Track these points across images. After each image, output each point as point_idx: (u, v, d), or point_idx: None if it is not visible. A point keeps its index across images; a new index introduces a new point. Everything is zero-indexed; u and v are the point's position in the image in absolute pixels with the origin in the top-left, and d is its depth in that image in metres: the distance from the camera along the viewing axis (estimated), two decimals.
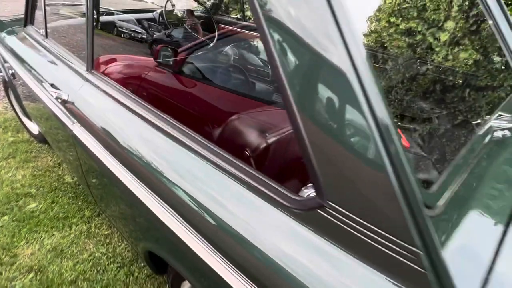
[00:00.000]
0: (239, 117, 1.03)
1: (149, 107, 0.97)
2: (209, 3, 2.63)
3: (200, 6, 2.62)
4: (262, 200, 0.68)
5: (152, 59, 2.22)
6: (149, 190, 0.89)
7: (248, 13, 2.69)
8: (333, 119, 0.55)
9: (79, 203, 1.91)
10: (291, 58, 0.58)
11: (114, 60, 2.12)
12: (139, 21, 3.05)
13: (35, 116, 1.97)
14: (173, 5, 2.25)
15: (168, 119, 0.91)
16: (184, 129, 0.87)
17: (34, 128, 2.37)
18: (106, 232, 1.73)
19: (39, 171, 2.15)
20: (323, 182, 0.58)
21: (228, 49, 2.38)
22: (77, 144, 1.21)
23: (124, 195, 1.04)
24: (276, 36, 0.58)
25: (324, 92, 0.55)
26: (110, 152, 1.05)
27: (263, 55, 2.37)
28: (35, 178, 2.08)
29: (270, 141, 0.86)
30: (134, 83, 1.83)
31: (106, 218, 1.79)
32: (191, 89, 2.02)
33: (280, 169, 0.92)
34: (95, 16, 1.26)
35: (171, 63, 2.08)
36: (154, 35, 3.11)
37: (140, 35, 3.08)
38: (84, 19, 1.16)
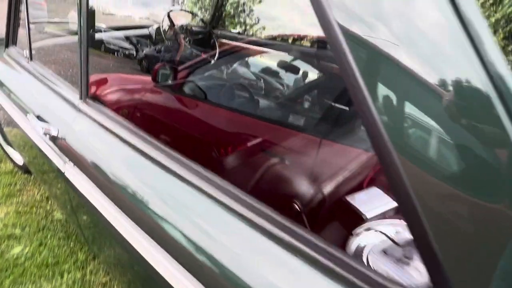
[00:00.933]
0: (280, 159, 0.85)
1: (153, 141, 0.79)
2: (208, 16, 2.48)
3: (198, 20, 2.46)
4: (331, 280, 0.49)
5: (148, 77, 2.05)
6: (155, 244, 0.70)
7: (252, 27, 2.55)
8: (465, 169, 0.37)
9: (71, 244, 1.68)
10: (391, 85, 0.40)
11: (107, 81, 1.93)
12: (127, 37, 2.97)
13: (18, 145, 1.75)
14: (170, 20, 2.08)
15: (176, 155, 0.73)
16: (196, 168, 0.69)
17: (18, 158, 2.14)
18: (103, 280, 1.50)
19: (25, 207, 1.91)
20: (444, 260, 0.39)
21: (231, 65, 2.21)
22: (70, 187, 1.01)
23: (123, 245, 0.84)
24: (363, 54, 0.40)
25: (454, 130, 0.37)
26: (110, 198, 0.86)
27: (271, 73, 2.21)
28: (20, 216, 1.84)
29: (326, 190, 0.68)
30: (134, 110, 1.64)
31: (101, 263, 1.56)
32: (195, 111, 1.83)
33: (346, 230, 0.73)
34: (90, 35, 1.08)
35: (170, 82, 1.90)
36: (144, 51, 3.03)
37: (128, 51, 3.01)
38: (75, 37, 0.97)
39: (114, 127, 0.88)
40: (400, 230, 0.53)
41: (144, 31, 2.51)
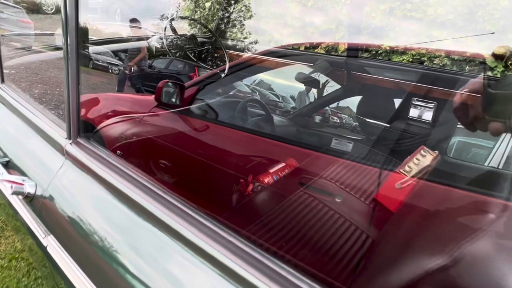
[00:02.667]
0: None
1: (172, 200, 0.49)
2: (213, 25, 2.19)
3: (204, 30, 2.17)
4: None
5: (146, 97, 1.75)
6: None
7: (263, 37, 2.27)
8: None
9: None
10: None
11: (102, 106, 1.62)
12: (115, 53, 2.76)
13: None
14: (173, 30, 1.79)
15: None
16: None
17: None
18: None
19: (2, 259, 1.56)
20: None
21: (246, 79, 1.92)
22: (54, 268, 0.68)
23: None
24: None
25: None
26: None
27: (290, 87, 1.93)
28: None
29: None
30: (142, 151, 1.33)
31: None
32: (212, 136, 1.53)
33: None
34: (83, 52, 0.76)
35: (178, 102, 1.59)
36: (137, 66, 2.85)
37: (118, 67, 2.81)
38: (60, 53, 0.67)
39: (117, 181, 0.57)
40: None
41: (142, 43, 2.20)
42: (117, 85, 2.72)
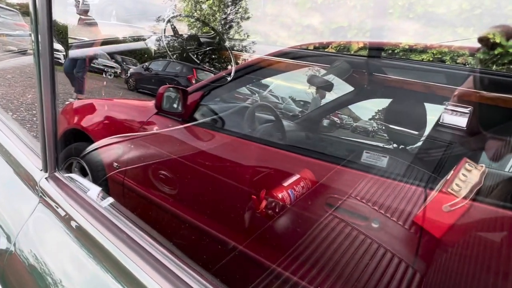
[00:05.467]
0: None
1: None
2: (217, 23, 2.02)
3: (206, 29, 2.00)
4: None
5: (147, 102, 1.59)
6: None
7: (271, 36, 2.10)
8: None
9: None
10: None
11: (95, 116, 1.46)
12: (111, 55, 2.70)
13: None
14: (174, 29, 1.62)
15: None
16: None
17: None
18: None
19: None
20: None
21: (256, 84, 1.76)
22: None
23: None
24: None
25: None
26: None
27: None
28: None
29: None
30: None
31: None
32: (217, 144, 1.36)
33: None
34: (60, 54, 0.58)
35: (180, 109, 1.42)
36: (130, 69, 2.75)
37: (114, 69, 2.70)
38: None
39: (107, 240, 0.40)
40: None
41: (140, 44, 2.03)
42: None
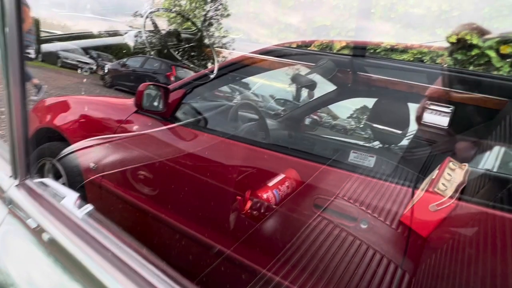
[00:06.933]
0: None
1: None
2: (199, 19, 1.97)
3: (188, 24, 1.94)
4: None
5: (125, 99, 1.52)
6: None
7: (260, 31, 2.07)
8: None
9: None
10: None
11: (70, 114, 1.38)
12: (86, 51, 2.52)
13: None
14: (154, 23, 1.55)
15: None
16: None
17: None
18: None
19: None
20: None
21: (239, 81, 1.72)
22: None
23: None
24: None
25: None
26: None
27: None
28: None
29: None
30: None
31: None
32: (200, 143, 1.32)
33: None
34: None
35: (161, 107, 1.36)
36: (107, 65, 2.65)
37: (89, 65, 2.60)
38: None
39: (86, 256, 0.36)
40: None
41: (117, 39, 1.95)
42: None
